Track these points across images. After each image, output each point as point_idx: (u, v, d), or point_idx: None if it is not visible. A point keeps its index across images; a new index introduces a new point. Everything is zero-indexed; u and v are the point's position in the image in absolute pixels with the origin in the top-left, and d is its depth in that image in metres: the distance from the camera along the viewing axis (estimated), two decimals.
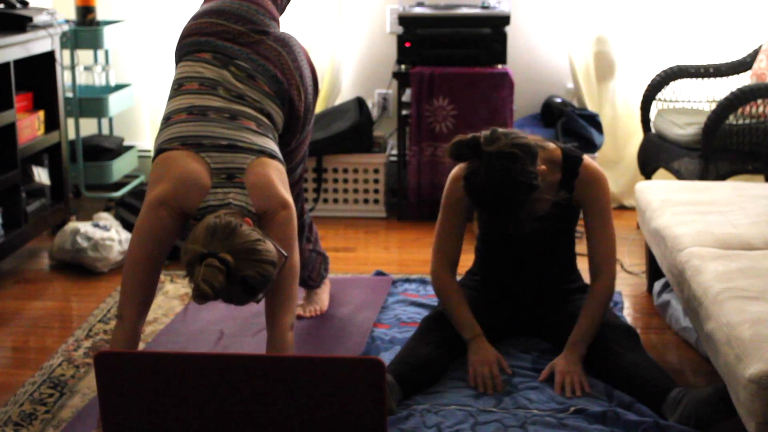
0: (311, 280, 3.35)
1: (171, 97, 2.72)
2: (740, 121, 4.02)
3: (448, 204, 2.90)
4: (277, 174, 2.59)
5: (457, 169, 2.86)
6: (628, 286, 3.71)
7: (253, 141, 2.60)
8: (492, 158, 2.61)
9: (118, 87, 4.86)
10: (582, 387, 2.72)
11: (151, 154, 5.10)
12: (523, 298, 3.03)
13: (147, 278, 2.53)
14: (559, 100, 4.73)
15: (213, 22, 2.78)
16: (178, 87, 2.72)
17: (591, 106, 4.78)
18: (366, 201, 4.70)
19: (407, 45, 4.50)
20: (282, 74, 2.76)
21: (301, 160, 3.04)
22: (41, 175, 4.18)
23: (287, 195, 2.58)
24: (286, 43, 2.83)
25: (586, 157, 2.87)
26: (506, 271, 2.99)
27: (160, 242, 2.51)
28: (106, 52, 4.91)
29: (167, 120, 2.66)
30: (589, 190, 2.82)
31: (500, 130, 2.69)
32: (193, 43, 2.78)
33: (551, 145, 2.81)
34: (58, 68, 4.19)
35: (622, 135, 4.82)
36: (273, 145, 2.66)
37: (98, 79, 4.81)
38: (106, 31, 4.56)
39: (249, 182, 2.53)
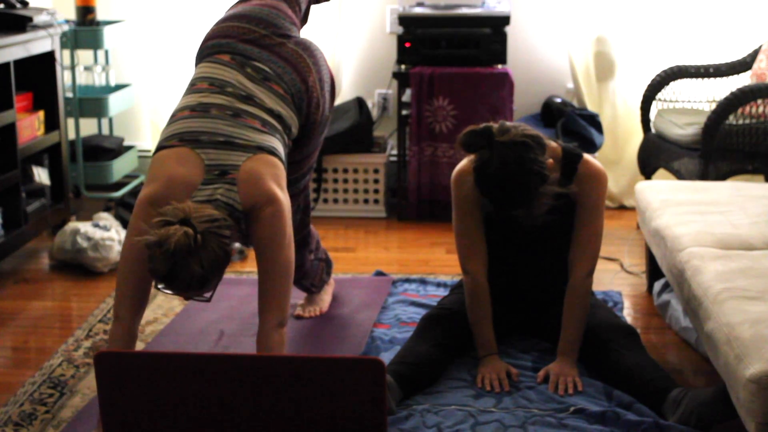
0: (313, 286, 3.35)
1: (182, 96, 2.75)
2: (740, 121, 4.01)
3: (460, 203, 2.87)
4: (269, 169, 2.57)
5: (460, 168, 2.85)
6: (628, 286, 3.71)
7: (252, 138, 2.60)
8: (505, 147, 2.60)
9: (118, 87, 4.86)
10: (575, 386, 2.73)
11: (152, 154, 5.12)
12: (523, 297, 3.03)
13: (141, 277, 2.53)
14: (559, 100, 4.73)
15: (235, 25, 2.80)
16: (191, 87, 2.74)
17: (591, 106, 4.78)
18: (366, 201, 4.70)
19: (407, 45, 4.50)
20: (301, 78, 2.77)
21: (307, 170, 3.04)
22: (41, 175, 4.18)
23: (277, 190, 2.55)
24: (307, 47, 2.84)
25: (587, 155, 2.87)
26: (507, 270, 2.99)
27: None
28: (106, 52, 4.91)
29: (172, 117, 2.68)
30: (584, 185, 2.82)
31: (508, 123, 2.69)
32: (213, 45, 2.79)
33: (552, 143, 2.82)
34: (58, 68, 4.19)
35: (622, 135, 4.82)
36: (275, 143, 2.65)
37: (98, 79, 4.81)
38: (106, 31, 4.56)
39: (239, 178, 2.52)
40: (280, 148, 2.67)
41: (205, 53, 2.81)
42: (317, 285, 3.36)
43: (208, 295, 2.48)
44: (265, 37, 2.78)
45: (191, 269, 2.35)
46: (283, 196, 2.57)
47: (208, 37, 2.84)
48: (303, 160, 2.95)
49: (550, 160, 2.68)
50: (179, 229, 2.32)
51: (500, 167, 2.59)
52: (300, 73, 2.77)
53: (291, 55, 2.78)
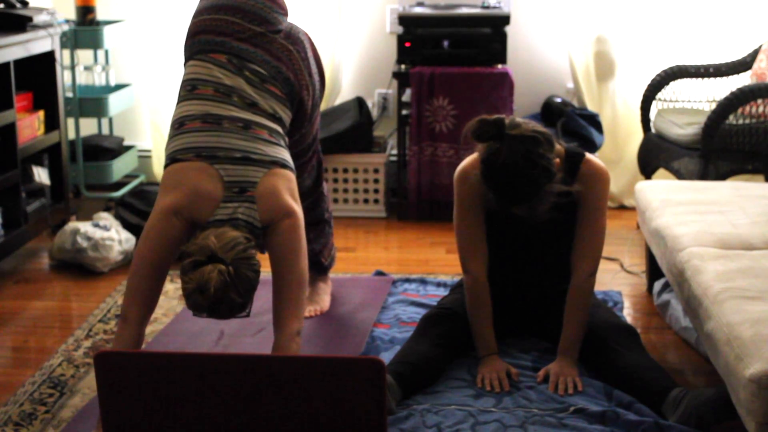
0: (322, 255, 3.35)
1: (184, 99, 2.71)
2: (740, 121, 4.02)
3: (462, 201, 2.87)
4: (284, 183, 2.61)
5: (464, 166, 2.85)
6: (628, 286, 3.71)
7: (265, 152, 2.62)
8: (515, 140, 2.60)
9: (118, 87, 4.86)
10: (575, 386, 2.73)
11: (152, 153, 5.13)
12: (524, 297, 3.03)
13: (154, 282, 2.57)
14: (559, 100, 4.73)
15: (228, 20, 2.76)
16: (192, 89, 2.70)
17: (591, 106, 4.78)
18: (366, 201, 4.70)
19: (407, 45, 4.51)
20: (294, 75, 2.77)
21: (312, 141, 3.05)
22: (41, 175, 4.18)
23: (293, 203, 2.60)
24: (295, 39, 2.83)
25: (590, 155, 2.87)
26: (508, 270, 2.99)
27: (168, 248, 2.56)
28: (106, 52, 4.91)
29: (180, 125, 2.66)
30: (587, 184, 2.82)
31: (518, 119, 2.69)
32: (207, 42, 2.75)
33: (556, 144, 2.81)
34: (58, 68, 4.19)
35: (622, 135, 4.82)
36: (284, 153, 2.68)
37: (98, 79, 4.81)
38: (106, 31, 4.56)
39: (258, 194, 2.56)
40: (288, 157, 2.70)
41: (197, 49, 2.76)
42: (326, 256, 3.37)
43: (247, 310, 2.52)
44: (260, 36, 2.76)
45: (232, 301, 2.41)
46: (299, 209, 2.62)
47: (198, 30, 2.78)
48: (302, 138, 2.97)
49: (557, 160, 2.69)
50: (213, 269, 2.36)
51: (509, 159, 2.59)
52: (291, 70, 2.77)
53: (281, 51, 2.77)
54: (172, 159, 2.63)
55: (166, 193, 2.58)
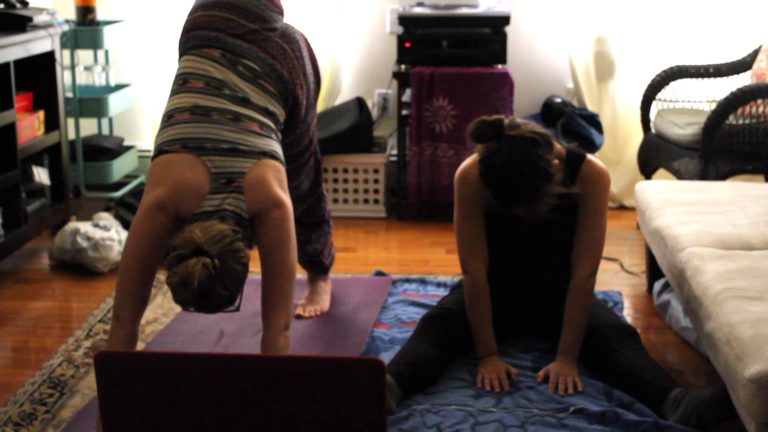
0: (322, 255, 3.35)
1: (175, 93, 2.71)
2: (740, 121, 4.02)
3: (462, 201, 2.87)
4: (274, 174, 2.59)
5: (464, 166, 2.85)
6: (628, 286, 3.71)
7: (254, 143, 2.60)
8: (513, 141, 2.61)
9: (118, 87, 4.86)
10: (575, 386, 2.73)
11: (152, 153, 5.12)
12: (523, 297, 3.03)
13: (144, 279, 2.55)
14: (559, 100, 4.73)
15: (223, 16, 2.75)
16: (183, 83, 2.70)
17: (591, 106, 4.78)
18: (366, 201, 4.70)
19: (407, 45, 4.51)
20: (288, 73, 2.77)
21: (307, 144, 3.04)
22: (41, 175, 4.18)
23: (282, 194, 2.58)
24: (290, 39, 2.82)
25: (590, 156, 2.87)
26: (508, 270, 2.99)
27: (156, 244, 2.53)
28: (106, 52, 4.91)
29: (169, 118, 2.65)
30: (587, 185, 2.82)
31: (518, 119, 2.69)
32: (201, 38, 2.75)
33: (557, 145, 2.82)
34: (58, 68, 4.19)
35: (622, 135, 4.82)
36: (274, 146, 2.66)
37: (98, 79, 4.81)
38: (106, 31, 4.56)
39: (246, 184, 2.54)
40: (279, 149, 2.69)
41: (191, 44, 2.76)
42: (327, 256, 3.37)
43: (237, 304, 2.50)
44: (254, 32, 2.75)
45: (218, 294, 2.38)
46: (288, 200, 2.59)
47: (193, 26, 2.78)
48: (297, 140, 2.96)
49: (556, 161, 2.69)
50: (197, 263, 2.34)
51: (507, 160, 2.59)
52: (285, 69, 2.77)
53: (276, 50, 2.77)
54: (158, 151, 2.61)
55: (151, 188, 2.56)
